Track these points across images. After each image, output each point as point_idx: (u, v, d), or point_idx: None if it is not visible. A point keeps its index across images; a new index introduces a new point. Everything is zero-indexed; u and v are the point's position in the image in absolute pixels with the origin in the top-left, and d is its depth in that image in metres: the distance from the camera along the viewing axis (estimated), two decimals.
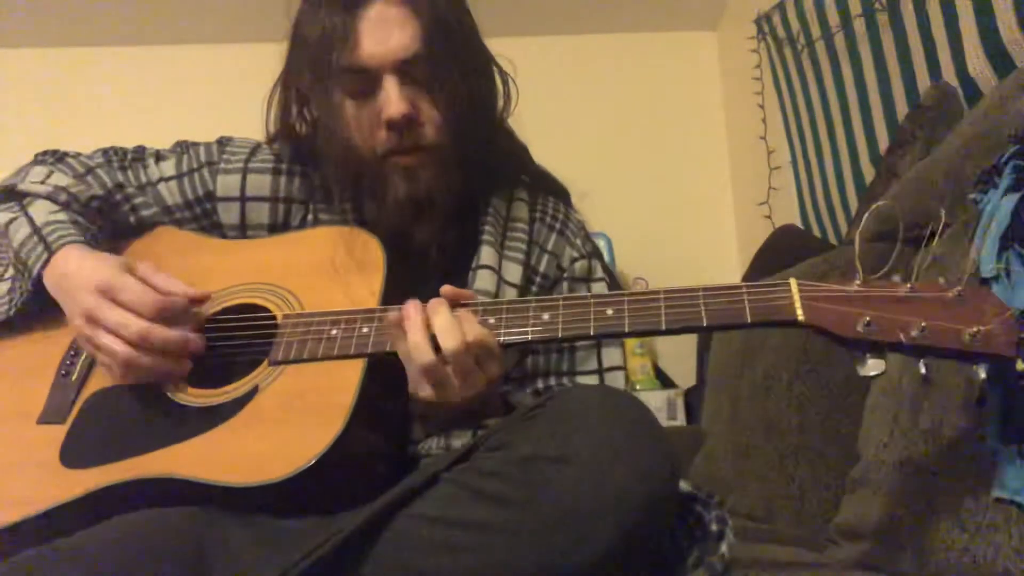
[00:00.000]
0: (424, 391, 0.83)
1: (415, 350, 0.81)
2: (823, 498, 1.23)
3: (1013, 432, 0.83)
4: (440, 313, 0.83)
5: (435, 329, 0.82)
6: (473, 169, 1.01)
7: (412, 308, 0.84)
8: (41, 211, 0.97)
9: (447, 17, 0.97)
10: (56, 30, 2.54)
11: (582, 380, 1.03)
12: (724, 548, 0.81)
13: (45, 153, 1.07)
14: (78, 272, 0.90)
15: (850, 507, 1.08)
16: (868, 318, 0.75)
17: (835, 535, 1.10)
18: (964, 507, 0.87)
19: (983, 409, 0.87)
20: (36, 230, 0.95)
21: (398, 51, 0.93)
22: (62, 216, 0.97)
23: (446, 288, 0.86)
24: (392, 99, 0.92)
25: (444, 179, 0.98)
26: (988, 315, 0.73)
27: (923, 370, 0.76)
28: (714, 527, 0.83)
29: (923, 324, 0.73)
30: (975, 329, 0.72)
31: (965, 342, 0.72)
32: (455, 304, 0.85)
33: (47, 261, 0.92)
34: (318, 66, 0.96)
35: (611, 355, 1.06)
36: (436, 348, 0.81)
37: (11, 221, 0.97)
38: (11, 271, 0.98)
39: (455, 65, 0.96)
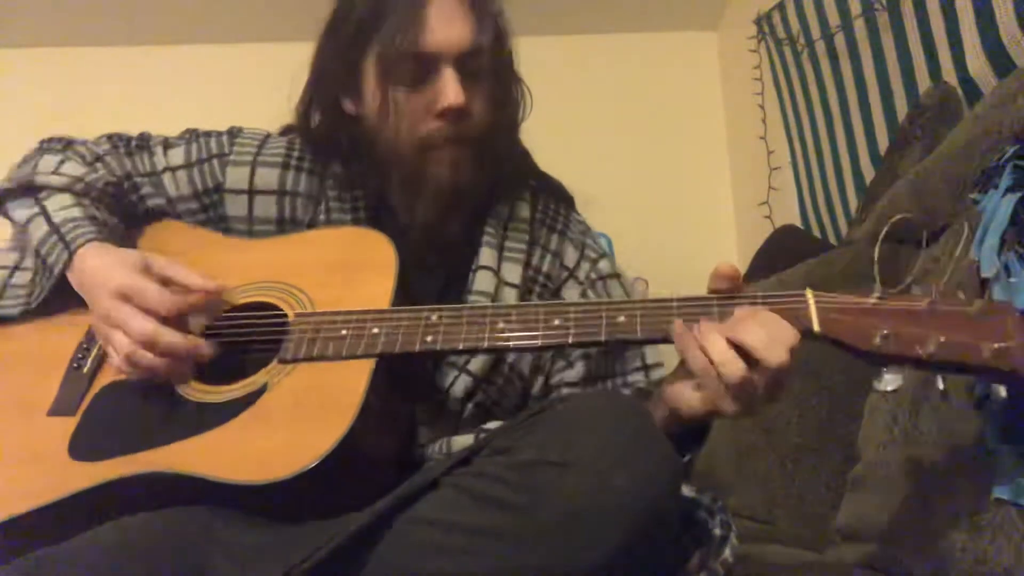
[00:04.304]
0: (727, 406, 0.75)
1: (725, 366, 0.73)
2: (823, 498, 1.23)
3: (1013, 433, 0.83)
4: (751, 329, 0.74)
5: (753, 343, 0.73)
6: (497, 170, 1.03)
7: (704, 326, 0.77)
8: (57, 206, 0.97)
9: (497, 19, 1.02)
10: (56, 30, 2.54)
11: (632, 378, 1.03)
12: (727, 553, 0.81)
13: (51, 140, 1.07)
14: (96, 272, 0.91)
15: (850, 507, 1.08)
16: (885, 331, 0.73)
17: (835, 535, 1.10)
18: (964, 507, 0.87)
19: (983, 410, 0.87)
20: (55, 228, 0.95)
21: (462, 42, 0.96)
22: (77, 212, 0.97)
23: (726, 266, 0.80)
24: (452, 88, 0.95)
25: (478, 174, 1.00)
26: (1011, 331, 0.70)
27: (940, 386, 0.75)
28: (718, 532, 0.83)
29: (942, 339, 0.71)
30: (996, 346, 0.69)
31: (986, 359, 0.70)
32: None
33: (68, 261, 0.93)
34: (369, 48, 0.98)
35: (655, 351, 1.05)
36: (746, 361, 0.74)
37: (30, 219, 0.97)
38: (28, 261, 0.99)
39: (503, 66, 1.02)
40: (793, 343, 0.74)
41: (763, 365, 0.73)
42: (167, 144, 1.07)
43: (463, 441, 0.94)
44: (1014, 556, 0.81)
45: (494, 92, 1.00)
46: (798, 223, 2.13)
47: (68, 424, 0.89)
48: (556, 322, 0.83)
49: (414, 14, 0.95)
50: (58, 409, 0.91)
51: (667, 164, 2.67)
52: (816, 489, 1.26)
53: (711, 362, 0.74)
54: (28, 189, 1.00)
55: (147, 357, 0.87)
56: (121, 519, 0.76)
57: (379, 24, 0.97)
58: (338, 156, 1.05)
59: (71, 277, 0.94)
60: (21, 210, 0.99)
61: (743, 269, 2.10)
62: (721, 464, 1.53)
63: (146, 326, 0.87)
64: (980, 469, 0.86)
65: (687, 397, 0.79)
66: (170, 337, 0.87)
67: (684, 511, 0.85)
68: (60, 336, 0.97)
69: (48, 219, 0.96)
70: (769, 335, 0.73)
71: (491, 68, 0.99)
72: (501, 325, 0.84)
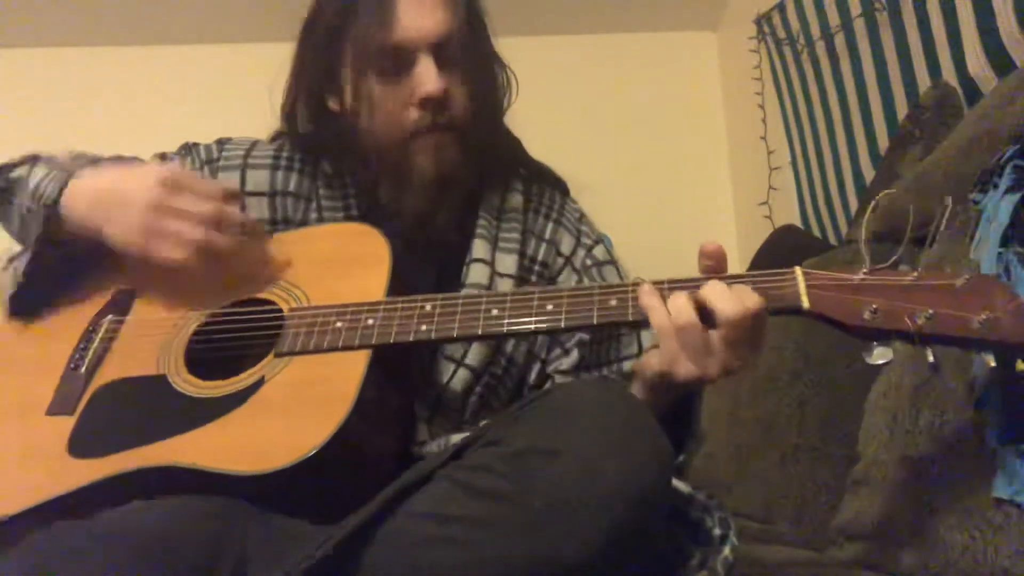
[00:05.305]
0: (682, 367, 0.77)
1: (680, 316, 0.76)
2: (823, 498, 1.24)
3: (1013, 432, 0.83)
4: (713, 286, 0.77)
5: (709, 297, 0.76)
6: (484, 157, 1.03)
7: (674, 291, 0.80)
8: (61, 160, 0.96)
9: (472, 4, 1.02)
10: (56, 30, 2.54)
11: (627, 365, 1.03)
12: (727, 552, 0.81)
13: None
14: (114, 181, 0.90)
15: (850, 507, 1.08)
16: (875, 305, 0.74)
17: (835, 535, 1.10)
18: (964, 507, 0.88)
19: (983, 410, 0.87)
20: (57, 165, 0.94)
21: (436, 30, 0.96)
22: (83, 162, 0.96)
23: (711, 244, 0.81)
24: (430, 76, 0.95)
25: (465, 161, 1.00)
26: (998, 302, 0.71)
27: (931, 358, 0.74)
28: (717, 531, 0.83)
29: (930, 311, 0.72)
30: (984, 316, 0.70)
31: (974, 329, 0.71)
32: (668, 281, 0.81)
33: (64, 185, 0.90)
34: (345, 46, 0.98)
35: (650, 337, 1.04)
36: (703, 319, 0.76)
37: (29, 171, 0.96)
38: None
39: (480, 50, 1.01)
40: (751, 304, 0.75)
41: (718, 319, 0.75)
42: (164, 159, 1.08)
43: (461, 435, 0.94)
44: (1014, 556, 0.81)
45: (474, 77, 1.00)
46: (798, 223, 2.13)
47: (67, 423, 0.89)
48: (549, 307, 0.84)
49: (385, 6, 0.95)
50: (56, 408, 0.91)
51: (667, 164, 2.67)
52: (816, 489, 1.26)
53: (668, 314, 0.77)
54: (29, 159, 0.99)
55: (219, 237, 0.89)
56: (149, 501, 0.75)
57: (352, 20, 0.97)
58: (326, 154, 1.06)
59: (76, 203, 0.90)
60: (20, 168, 0.97)
61: (743, 269, 2.10)
62: (721, 464, 1.53)
63: (208, 206, 0.88)
64: (980, 469, 0.86)
65: (647, 360, 0.82)
66: (233, 212, 0.91)
67: (681, 509, 0.85)
68: (57, 338, 0.97)
69: (48, 163, 0.95)
70: (732, 292, 0.76)
71: (468, 54, 0.99)
72: (495, 312, 0.85)
